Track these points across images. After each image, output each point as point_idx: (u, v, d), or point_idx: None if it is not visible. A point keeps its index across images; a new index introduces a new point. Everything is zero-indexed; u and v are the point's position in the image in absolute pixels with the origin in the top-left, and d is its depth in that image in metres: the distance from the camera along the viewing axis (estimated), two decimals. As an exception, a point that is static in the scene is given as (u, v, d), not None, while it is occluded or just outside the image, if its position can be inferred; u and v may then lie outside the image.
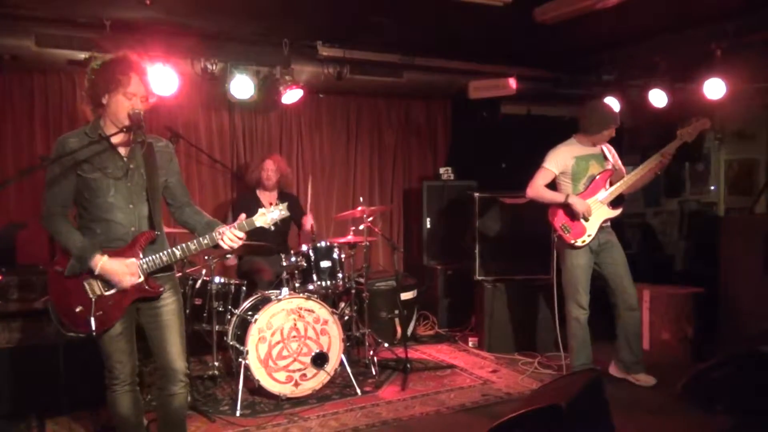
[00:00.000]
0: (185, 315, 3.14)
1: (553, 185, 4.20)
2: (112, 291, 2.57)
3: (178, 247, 2.63)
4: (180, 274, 4.01)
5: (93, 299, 2.54)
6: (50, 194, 2.56)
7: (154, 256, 2.60)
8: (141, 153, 2.64)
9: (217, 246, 2.68)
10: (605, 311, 4.27)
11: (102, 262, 2.50)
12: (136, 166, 2.64)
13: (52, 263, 2.63)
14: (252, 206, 4.59)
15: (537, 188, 4.16)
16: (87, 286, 2.55)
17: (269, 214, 2.72)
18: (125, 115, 2.52)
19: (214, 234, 2.64)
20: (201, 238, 2.65)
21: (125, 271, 2.54)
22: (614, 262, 4.16)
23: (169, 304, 2.70)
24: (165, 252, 2.62)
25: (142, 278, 2.59)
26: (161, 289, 2.65)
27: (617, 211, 4.14)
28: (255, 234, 2.76)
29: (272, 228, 2.77)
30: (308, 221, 4.86)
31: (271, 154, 5.20)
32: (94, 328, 2.53)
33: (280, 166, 5.06)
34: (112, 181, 2.57)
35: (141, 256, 2.59)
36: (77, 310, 2.54)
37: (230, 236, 2.63)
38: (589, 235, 4.06)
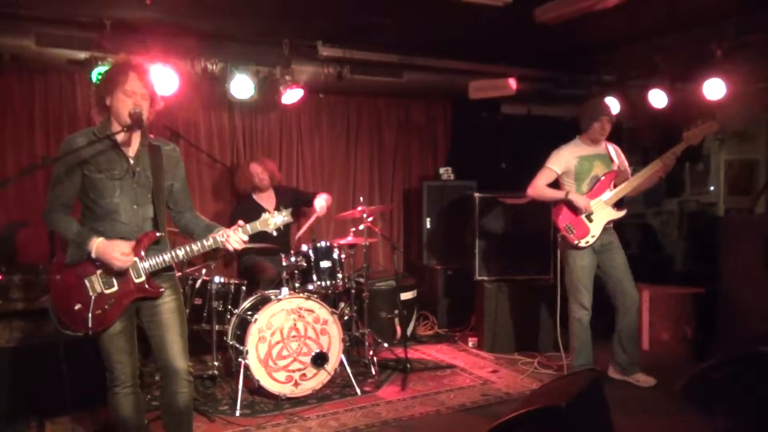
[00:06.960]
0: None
1: (556, 186, 4.19)
2: (113, 289, 2.58)
3: (181, 248, 2.65)
4: (180, 274, 4.02)
5: (93, 297, 2.55)
6: (53, 193, 2.59)
7: (156, 257, 2.62)
8: (148, 155, 2.67)
9: (217, 249, 2.70)
10: (605, 312, 4.27)
11: (97, 243, 2.52)
12: (143, 168, 2.66)
13: (53, 262, 2.65)
14: (252, 212, 4.58)
15: (538, 187, 4.16)
16: (88, 284, 2.57)
17: (273, 219, 2.74)
18: (126, 113, 2.54)
19: (217, 236, 2.65)
20: (204, 240, 2.67)
21: (118, 249, 2.53)
22: (615, 264, 4.15)
23: (168, 303, 2.70)
24: (168, 253, 2.64)
25: (143, 278, 2.61)
26: (161, 290, 2.66)
27: (621, 213, 4.13)
28: (257, 235, 2.77)
29: (275, 233, 2.79)
30: (320, 203, 4.83)
31: (253, 159, 5.18)
32: (91, 326, 2.53)
33: (267, 167, 5.03)
34: (117, 182, 2.59)
35: (144, 256, 2.61)
36: (76, 308, 2.55)
37: (236, 239, 2.65)
38: (592, 236, 4.05)
